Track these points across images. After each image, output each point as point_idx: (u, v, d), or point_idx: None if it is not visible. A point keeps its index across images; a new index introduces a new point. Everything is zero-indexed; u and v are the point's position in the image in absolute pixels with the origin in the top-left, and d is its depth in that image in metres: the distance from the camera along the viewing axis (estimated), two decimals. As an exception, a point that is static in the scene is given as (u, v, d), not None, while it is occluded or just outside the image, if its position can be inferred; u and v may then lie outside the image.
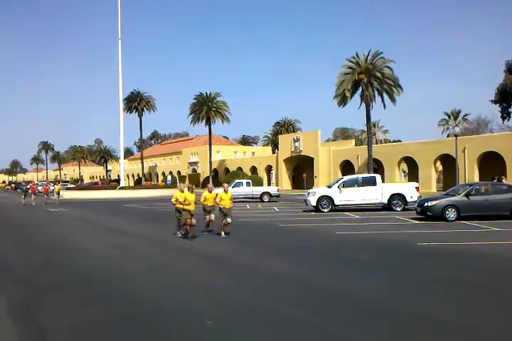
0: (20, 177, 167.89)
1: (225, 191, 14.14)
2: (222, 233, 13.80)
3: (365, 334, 5.17)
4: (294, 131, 73.74)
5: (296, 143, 58.57)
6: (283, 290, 7.23)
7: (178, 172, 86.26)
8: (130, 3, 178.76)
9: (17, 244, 13.43)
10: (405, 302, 6.43)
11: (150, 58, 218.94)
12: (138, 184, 74.70)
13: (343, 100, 41.99)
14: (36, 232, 16.31)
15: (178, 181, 76.21)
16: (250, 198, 33.78)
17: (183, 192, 13.51)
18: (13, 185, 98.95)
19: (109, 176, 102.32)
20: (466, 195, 17.10)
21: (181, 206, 13.20)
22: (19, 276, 8.68)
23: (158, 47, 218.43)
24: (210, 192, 14.62)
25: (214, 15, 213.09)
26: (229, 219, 13.79)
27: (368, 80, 40.48)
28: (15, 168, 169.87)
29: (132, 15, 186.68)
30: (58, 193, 37.57)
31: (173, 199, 13.61)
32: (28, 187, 40.36)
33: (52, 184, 50.40)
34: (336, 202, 22.67)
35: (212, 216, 14.35)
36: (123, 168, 57.49)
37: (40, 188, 50.73)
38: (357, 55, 42.23)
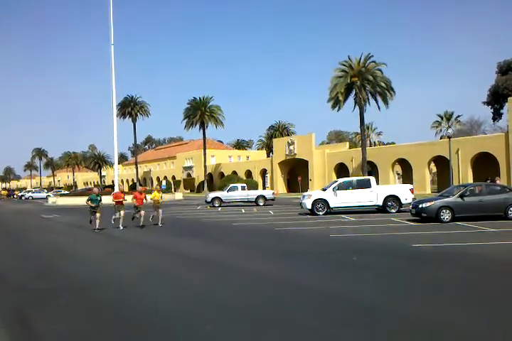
0: (13, 184, 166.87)
1: None
2: None
3: (360, 335, 5.16)
4: (288, 135, 74.00)
5: (291, 147, 58.71)
6: (281, 294, 7.21)
7: (173, 177, 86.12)
8: (124, 9, 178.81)
9: (12, 251, 13.31)
10: (403, 304, 6.42)
11: (143, 63, 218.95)
12: (132, 189, 74.47)
13: (336, 103, 42.18)
14: (31, 238, 16.18)
15: (172, 186, 76.22)
16: (245, 202, 33.75)
17: None
18: (4, 191, 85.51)
19: (104, 182, 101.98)
20: (461, 196, 17.17)
21: None
22: (15, 283, 8.59)
23: (151, 52, 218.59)
24: None
25: (209, 20, 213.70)
26: None
27: (361, 83, 40.71)
28: (8, 174, 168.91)
29: (126, 21, 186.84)
30: (158, 206, 19.24)
31: None
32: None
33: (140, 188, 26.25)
34: (331, 205, 22.69)
35: None
36: (117, 174, 57.12)
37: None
38: (349, 58, 42.53)
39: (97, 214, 17.26)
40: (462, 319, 5.72)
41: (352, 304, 6.48)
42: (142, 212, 18.36)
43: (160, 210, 19.08)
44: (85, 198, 17.55)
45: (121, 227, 17.89)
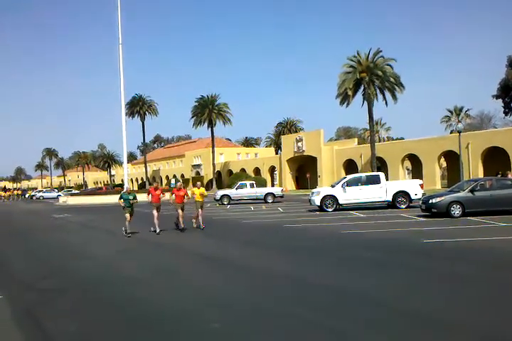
0: (24, 184, 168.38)
1: None
2: None
3: (374, 333, 5.13)
4: (296, 131, 73.74)
5: (299, 143, 58.53)
6: (292, 293, 7.20)
7: (182, 176, 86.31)
8: (132, 7, 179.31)
9: (24, 250, 13.43)
10: (414, 302, 6.37)
11: (152, 62, 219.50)
12: (142, 188, 74.78)
13: (345, 99, 41.99)
14: (42, 238, 16.30)
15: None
16: (254, 199, 33.74)
17: None
18: (17, 191, 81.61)
19: (113, 181, 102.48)
20: (471, 191, 17.01)
21: None
22: (25, 281, 8.65)
23: (159, 51, 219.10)
24: None
25: (215, 17, 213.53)
26: None
27: (370, 79, 40.45)
28: (19, 174, 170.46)
29: (134, 19, 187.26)
30: (200, 205, 16.55)
31: None
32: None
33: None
34: (340, 201, 22.59)
35: None
36: (126, 173, 57.36)
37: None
38: (358, 53, 42.25)
39: (127, 215, 15.13)
40: (473, 317, 5.65)
41: (364, 301, 6.42)
42: (181, 212, 15.83)
43: (200, 210, 16.52)
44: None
45: (158, 230, 15.38)
